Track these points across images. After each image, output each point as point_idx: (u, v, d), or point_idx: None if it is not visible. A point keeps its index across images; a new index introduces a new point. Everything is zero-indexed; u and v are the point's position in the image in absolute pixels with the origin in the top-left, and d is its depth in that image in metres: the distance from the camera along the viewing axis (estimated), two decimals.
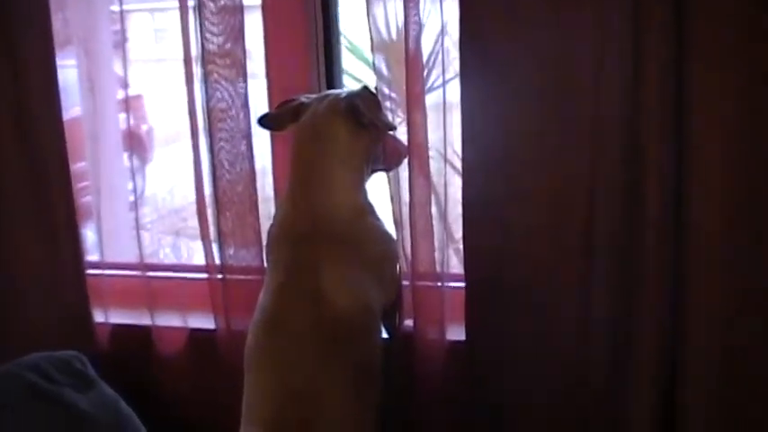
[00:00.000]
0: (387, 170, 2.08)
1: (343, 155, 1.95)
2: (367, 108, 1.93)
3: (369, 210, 1.99)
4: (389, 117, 2.05)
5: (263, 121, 2.06)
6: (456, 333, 2.10)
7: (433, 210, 2.07)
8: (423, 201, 2.04)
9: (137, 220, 2.35)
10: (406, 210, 2.06)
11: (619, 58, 1.80)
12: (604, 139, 1.85)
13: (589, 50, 1.82)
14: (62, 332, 2.38)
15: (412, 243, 2.06)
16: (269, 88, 2.26)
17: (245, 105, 2.16)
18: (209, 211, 2.24)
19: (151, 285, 2.36)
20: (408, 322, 2.13)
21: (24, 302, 2.41)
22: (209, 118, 2.17)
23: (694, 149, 1.78)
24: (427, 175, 2.04)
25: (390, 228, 2.07)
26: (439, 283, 2.09)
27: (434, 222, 2.07)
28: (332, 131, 1.95)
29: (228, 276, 2.24)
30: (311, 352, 1.85)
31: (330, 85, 2.28)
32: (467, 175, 1.98)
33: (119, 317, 2.44)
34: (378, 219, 2.01)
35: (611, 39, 1.80)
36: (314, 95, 2.04)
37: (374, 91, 2.00)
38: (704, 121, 1.76)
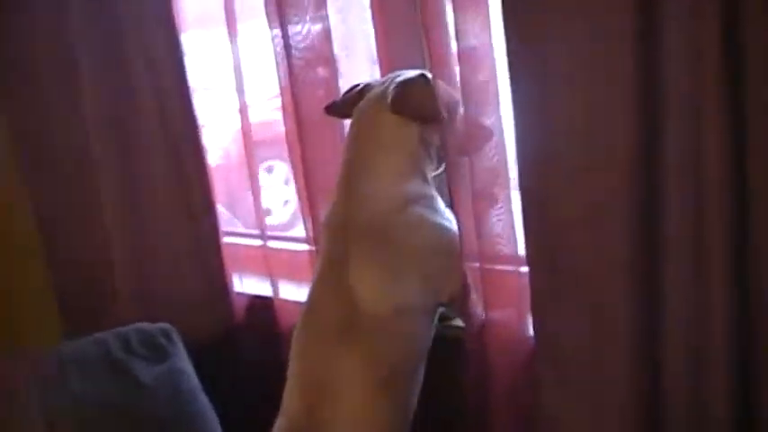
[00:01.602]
0: (466, 155, 1.91)
1: (388, 143, 1.86)
2: (412, 98, 1.83)
3: (417, 200, 1.86)
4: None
5: (330, 110, 2.01)
6: None
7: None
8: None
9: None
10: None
11: None
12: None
13: None
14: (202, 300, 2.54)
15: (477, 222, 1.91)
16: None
17: None
18: None
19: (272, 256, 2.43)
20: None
21: (167, 272, 2.59)
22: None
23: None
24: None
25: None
26: (511, 267, 1.92)
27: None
28: (377, 119, 1.87)
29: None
30: (335, 346, 1.81)
31: None
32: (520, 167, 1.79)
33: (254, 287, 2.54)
34: (430, 209, 1.87)
35: None
36: (381, 78, 1.97)
37: (429, 78, 1.86)
38: None
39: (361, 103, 1.90)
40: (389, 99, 1.84)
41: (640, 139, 1.60)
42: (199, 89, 2.47)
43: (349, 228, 1.85)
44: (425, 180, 1.89)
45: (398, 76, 1.90)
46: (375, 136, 1.86)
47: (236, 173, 2.56)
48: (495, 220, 1.91)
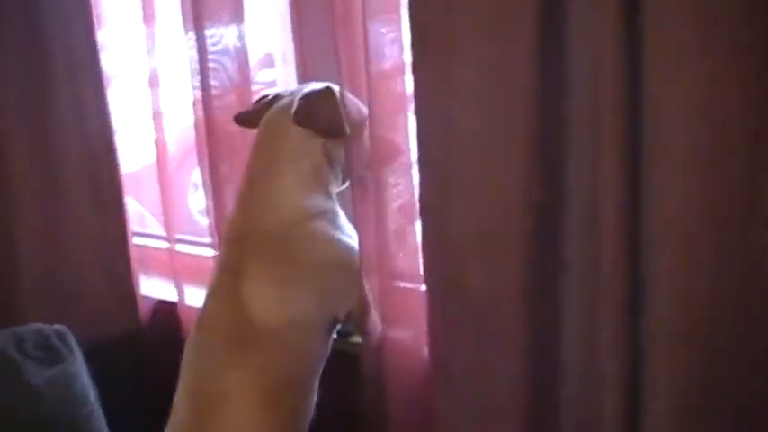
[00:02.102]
0: (372, 171, 1.88)
1: (292, 156, 1.82)
2: (316, 110, 1.81)
3: (318, 214, 1.83)
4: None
5: (239, 119, 1.97)
6: None
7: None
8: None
9: None
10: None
11: None
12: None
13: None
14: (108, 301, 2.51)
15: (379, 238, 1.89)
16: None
17: None
18: None
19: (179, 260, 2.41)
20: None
21: (73, 270, 2.55)
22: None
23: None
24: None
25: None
26: (412, 285, 1.90)
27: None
28: (281, 130, 1.84)
29: None
30: (223, 357, 1.80)
31: None
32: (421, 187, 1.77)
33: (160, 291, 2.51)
34: (331, 224, 1.85)
35: None
36: (292, 89, 1.94)
37: (334, 92, 1.83)
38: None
39: (267, 114, 1.88)
40: (293, 110, 1.81)
41: (538, 163, 1.59)
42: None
43: (247, 238, 1.82)
44: (328, 195, 1.87)
45: (306, 87, 1.88)
46: (278, 147, 1.83)
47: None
48: (398, 236, 1.89)
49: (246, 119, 1.95)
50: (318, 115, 1.81)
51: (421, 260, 1.83)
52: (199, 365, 1.83)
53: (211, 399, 1.78)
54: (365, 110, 1.86)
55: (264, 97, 1.94)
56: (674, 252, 1.46)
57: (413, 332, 1.93)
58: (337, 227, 1.86)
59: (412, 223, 1.88)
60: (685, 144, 1.41)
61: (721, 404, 1.50)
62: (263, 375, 1.77)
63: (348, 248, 1.86)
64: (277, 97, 1.91)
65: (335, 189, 1.91)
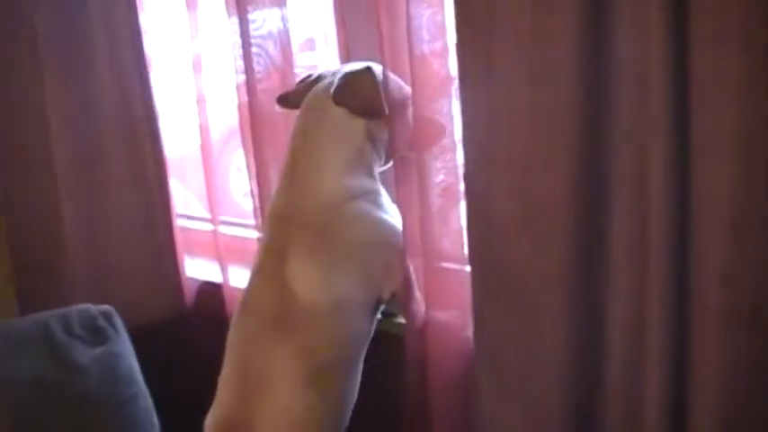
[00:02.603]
0: (416, 151, 1.89)
1: (334, 136, 1.83)
2: (355, 91, 1.81)
3: (361, 195, 1.84)
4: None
5: (282, 101, 1.98)
6: None
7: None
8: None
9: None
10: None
11: None
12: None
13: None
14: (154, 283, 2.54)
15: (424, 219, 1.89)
16: None
17: None
18: None
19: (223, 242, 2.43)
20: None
21: (119, 252, 2.58)
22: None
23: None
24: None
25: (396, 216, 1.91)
26: (457, 266, 1.89)
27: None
28: (323, 111, 1.84)
29: None
30: (268, 338, 1.81)
31: None
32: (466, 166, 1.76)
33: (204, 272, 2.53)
34: (374, 204, 1.86)
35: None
36: (335, 69, 1.94)
37: (374, 72, 1.84)
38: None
39: (309, 95, 1.88)
40: (332, 90, 1.82)
41: (582, 140, 1.58)
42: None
43: (290, 219, 1.84)
44: (371, 175, 1.88)
45: (347, 66, 1.88)
46: (321, 128, 1.84)
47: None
48: (441, 217, 1.89)
49: (289, 99, 1.96)
50: (357, 95, 1.81)
51: (465, 240, 1.84)
52: (243, 346, 1.85)
53: (256, 379, 1.80)
54: (408, 89, 1.85)
55: (307, 77, 1.95)
56: (721, 235, 1.44)
57: (456, 313, 1.93)
58: (380, 206, 1.86)
59: (456, 204, 1.88)
60: (734, 131, 1.40)
61: None
62: (307, 356, 1.78)
63: (391, 228, 1.87)
64: (319, 77, 1.91)
65: (378, 169, 1.91)
